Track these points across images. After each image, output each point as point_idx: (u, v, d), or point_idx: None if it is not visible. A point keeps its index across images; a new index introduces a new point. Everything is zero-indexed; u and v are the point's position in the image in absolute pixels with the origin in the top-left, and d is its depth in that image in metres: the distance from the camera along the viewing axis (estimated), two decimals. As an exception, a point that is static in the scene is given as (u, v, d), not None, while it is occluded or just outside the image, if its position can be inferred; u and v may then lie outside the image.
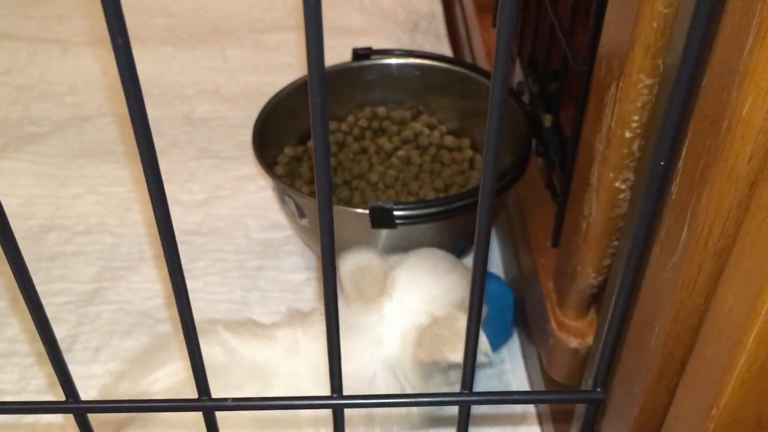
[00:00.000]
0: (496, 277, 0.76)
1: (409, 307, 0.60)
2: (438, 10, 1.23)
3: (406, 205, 0.62)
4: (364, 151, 0.80)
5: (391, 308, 0.60)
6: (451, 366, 0.59)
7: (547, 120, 0.69)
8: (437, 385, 0.61)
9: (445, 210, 0.63)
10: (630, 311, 0.46)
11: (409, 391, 0.59)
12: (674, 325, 0.40)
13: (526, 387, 0.74)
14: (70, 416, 0.36)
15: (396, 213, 0.61)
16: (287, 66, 1.12)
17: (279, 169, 0.77)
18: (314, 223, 0.68)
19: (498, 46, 0.28)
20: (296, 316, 0.64)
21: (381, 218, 0.61)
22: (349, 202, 0.75)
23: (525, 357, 0.77)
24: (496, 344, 0.75)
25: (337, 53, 0.94)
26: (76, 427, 0.37)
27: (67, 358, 0.37)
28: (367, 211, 0.61)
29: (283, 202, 0.70)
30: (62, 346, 0.40)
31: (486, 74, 0.78)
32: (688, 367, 0.38)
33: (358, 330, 0.60)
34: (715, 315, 0.36)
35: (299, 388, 0.57)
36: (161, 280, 0.84)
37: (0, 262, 0.89)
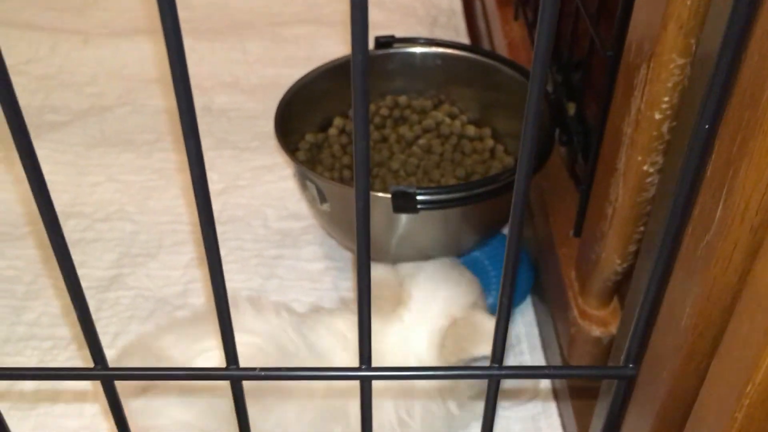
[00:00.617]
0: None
1: (429, 315, 0.65)
2: (457, 5, 1.23)
3: (428, 190, 0.62)
4: (384, 139, 0.80)
5: (410, 318, 0.64)
6: (476, 359, 0.62)
7: (571, 109, 0.68)
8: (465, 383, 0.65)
9: (468, 196, 0.63)
10: (659, 294, 0.45)
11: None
12: (706, 305, 0.40)
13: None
14: (96, 384, 0.36)
15: (418, 198, 0.61)
16: (306, 59, 1.12)
17: (300, 155, 0.77)
18: (335, 207, 0.68)
19: (539, 40, 0.27)
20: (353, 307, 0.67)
21: (403, 203, 0.61)
22: (370, 189, 0.75)
23: (544, 348, 0.76)
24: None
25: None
26: (101, 395, 0.37)
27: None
28: (388, 195, 0.61)
29: (304, 187, 0.70)
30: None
31: (509, 64, 0.78)
32: (722, 345, 0.38)
33: (383, 336, 0.64)
34: (751, 291, 0.35)
35: None
36: (180, 267, 0.84)
37: (17, 247, 0.89)
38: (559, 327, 0.66)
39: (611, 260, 0.56)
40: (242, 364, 0.35)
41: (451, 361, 0.62)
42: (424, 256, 0.71)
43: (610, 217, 0.54)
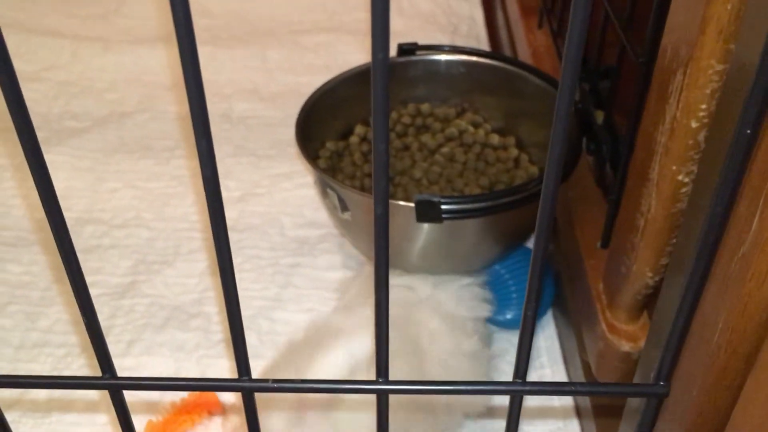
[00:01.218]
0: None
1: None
2: (478, 13, 1.21)
3: (453, 199, 0.60)
4: (407, 147, 0.79)
5: None
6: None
7: (599, 117, 0.67)
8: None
9: (493, 205, 0.61)
10: (693, 309, 0.43)
11: None
12: (740, 321, 0.38)
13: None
14: (106, 393, 0.35)
15: (443, 207, 0.59)
16: (325, 67, 1.12)
17: (321, 163, 0.75)
18: (356, 215, 0.67)
19: (569, 46, 0.26)
20: None
21: (427, 212, 0.59)
22: (392, 198, 0.74)
23: (566, 362, 0.74)
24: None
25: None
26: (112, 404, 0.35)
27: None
28: (412, 204, 0.60)
29: (324, 195, 0.69)
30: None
31: (534, 72, 0.76)
32: (757, 363, 0.36)
33: None
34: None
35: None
36: (196, 276, 0.83)
37: (33, 252, 0.88)
38: (586, 341, 0.64)
39: (642, 273, 0.54)
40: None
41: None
42: (447, 266, 0.70)
43: (641, 229, 0.52)
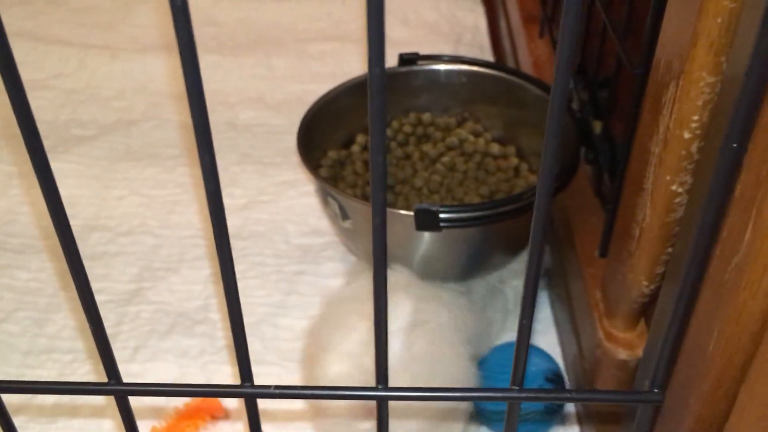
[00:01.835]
0: (537, 351, 0.70)
1: None
2: (482, 22, 1.22)
3: (451, 208, 0.61)
4: (408, 156, 0.80)
5: None
6: None
7: (597, 127, 0.67)
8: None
9: (492, 214, 0.62)
10: (686, 318, 0.44)
11: None
12: (735, 329, 0.38)
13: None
14: (112, 399, 0.36)
15: (441, 215, 0.60)
16: (331, 75, 1.13)
17: (323, 172, 0.76)
18: (357, 224, 0.68)
19: (561, 47, 0.27)
20: None
21: (426, 220, 0.60)
22: (392, 206, 0.74)
23: (567, 370, 0.75)
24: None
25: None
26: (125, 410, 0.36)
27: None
28: (411, 213, 0.61)
29: (326, 203, 0.70)
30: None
31: (534, 82, 0.77)
32: (751, 371, 0.37)
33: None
34: (783, 315, 0.34)
35: None
36: (201, 282, 0.84)
37: (42, 259, 0.89)
38: (584, 349, 0.64)
39: (638, 282, 0.54)
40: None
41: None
42: (448, 275, 0.70)
43: (637, 238, 0.53)
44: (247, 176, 0.97)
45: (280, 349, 0.78)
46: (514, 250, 0.73)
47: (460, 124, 0.82)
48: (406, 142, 0.81)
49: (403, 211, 0.63)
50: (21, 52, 1.14)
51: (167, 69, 1.13)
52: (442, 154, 0.79)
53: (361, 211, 0.67)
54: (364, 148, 0.81)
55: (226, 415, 0.70)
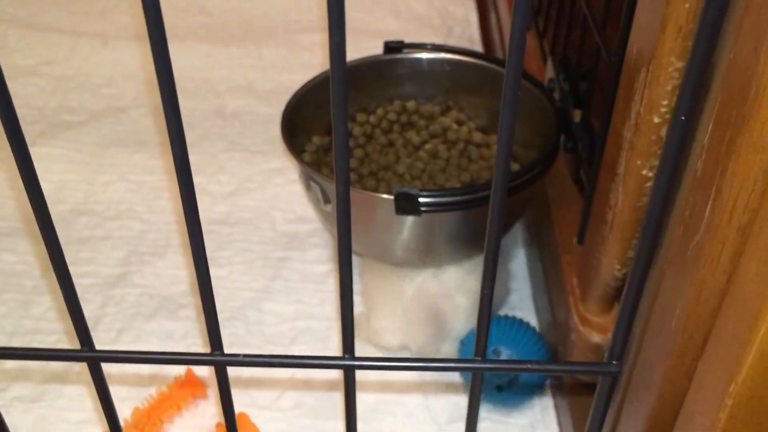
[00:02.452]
0: (530, 330, 0.71)
1: None
2: (473, 16, 1.23)
3: (431, 192, 0.62)
4: (391, 144, 0.81)
5: None
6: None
7: (577, 115, 0.68)
8: None
9: (471, 199, 0.63)
10: (653, 297, 0.45)
11: None
12: (696, 307, 0.39)
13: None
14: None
15: (421, 200, 0.61)
16: (320, 65, 1.13)
17: (306, 157, 0.77)
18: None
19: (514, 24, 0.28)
20: None
21: (406, 204, 0.61)
22: (375, 192, 0.75)
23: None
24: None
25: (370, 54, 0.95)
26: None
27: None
28: (392, 197, 0.61)
29: (308, 188, 0.71)
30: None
31: (517, 72, 0.78)
32: (708, 345, 0.38)
33: None
34: (736, 289, 0.35)
35: None
36: (186, 267, 0.85)
37: (29, 243, 0.90)
38: (561, 333, 0.65)
39: (611, 265, 0.55)
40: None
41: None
42: (431, 259, 0.71)
43: (610, 222, 0.54)
44: (235, 164, 0.98)
45: (263, 333, 0.78)
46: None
47: (444, 112, 0.83)
48: (390, 129, 0.82)
49: (384, 195, 0.64)
50: (12, 40, 1.14)
51: (158, 57, 1.13)
52: (425, 142, 0.80)
53: (343, 195, 0.68)
54: (349, 134, 0.82)
55: (205, 394, 0.70)
